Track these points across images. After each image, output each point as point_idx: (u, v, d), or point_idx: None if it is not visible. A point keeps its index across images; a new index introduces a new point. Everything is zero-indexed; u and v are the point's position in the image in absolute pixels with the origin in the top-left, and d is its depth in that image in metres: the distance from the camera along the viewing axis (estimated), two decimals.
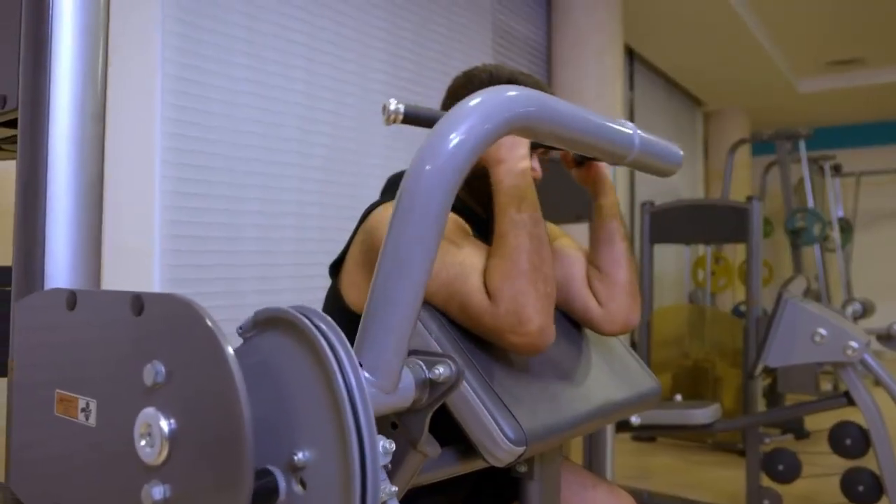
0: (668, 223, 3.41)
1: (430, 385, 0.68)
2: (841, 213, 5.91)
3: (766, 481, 2.86)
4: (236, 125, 2.48)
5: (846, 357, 2.21)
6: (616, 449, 2.88)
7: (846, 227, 5.88)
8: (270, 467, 0.58)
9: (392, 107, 0.86)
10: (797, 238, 5.00)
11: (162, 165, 2.26)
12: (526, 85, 1.20)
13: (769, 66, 6.00)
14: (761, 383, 3.91)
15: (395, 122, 0.87)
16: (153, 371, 0.54)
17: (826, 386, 5.42)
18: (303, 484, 0.57)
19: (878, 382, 2.26)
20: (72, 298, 0.64)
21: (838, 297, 5.81)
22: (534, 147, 1.15)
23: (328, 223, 2.79)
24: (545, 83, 1.29)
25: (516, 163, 1.03)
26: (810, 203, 5.19)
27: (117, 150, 1.95)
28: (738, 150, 5.26)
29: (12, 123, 0.77)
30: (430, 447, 0.70)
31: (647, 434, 4.09)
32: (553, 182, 1.26)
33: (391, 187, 1.28)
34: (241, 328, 0.62)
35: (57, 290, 0.67)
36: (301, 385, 0.58)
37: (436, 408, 0.69)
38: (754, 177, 7.06)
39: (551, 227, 1.27)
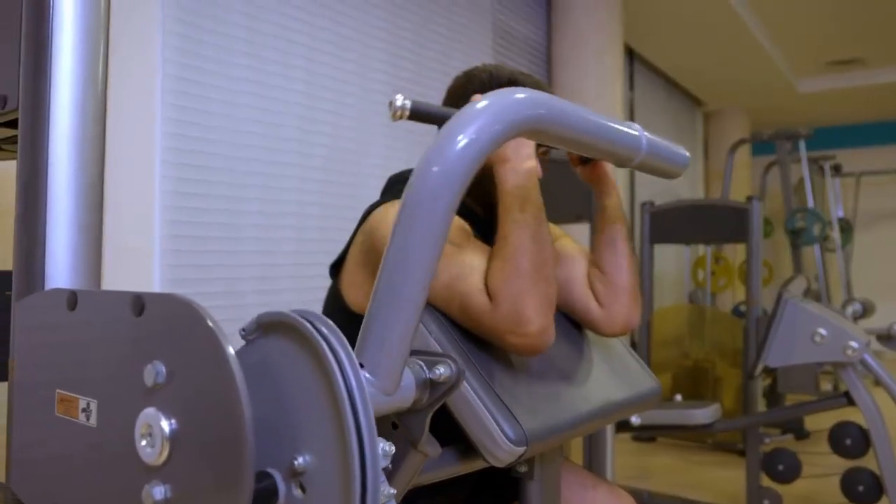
0: (668, 223, 3.41)
1: (430, 385, 0.68)
2: (841, 213, 5.91)
3: (766, 481, 2.86)
4: (236, 125, 2.48)
5: (846, 357, 2.21)
6: (616, 449, 2.88)
7: (846, 227, 5.88)
8: (270, 470, 0.58)
9: (399, 102, 0.86)
10: (797, 238, 5.00)
11: (162, 165, 2.26)
12: (526, 85, 1.20)
13: (769, 66, 6.00)
14: (761, 383, 3.91)
15: (401, 118, 0.87)
16: (154, 371, 0.54)
17: (826, 386, 5.42)
18: (302, 488, 0.57)
19: (878, 382, 2.26)
20: (72, 298, 0.64)
21: (838, 297, 5.81)
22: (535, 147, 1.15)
23: (328, 223, 2.79)
24: (545, 83, 1.29)
25: (522, 162, 1.03)
26: (810, 203, 5.19)
27: (117, 149, 1.95)
28: (738, 150, 5.25)
29: (13, 124, 0.77)
30: (430, 447, 0.70)
31: (647, 434, 4.10)
32: (553, 182, 1.26)
33: (391, 187, 1.28)
34: (243, 330, 0.62)
35: (57, 291, 0.67)
36: (302, 388, 0.58)
37: (436, 408, 0.69)
38: (754, 177, 7.06)
39: (552, 227, 1.27)
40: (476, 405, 0.92)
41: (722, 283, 5.28)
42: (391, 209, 1.10)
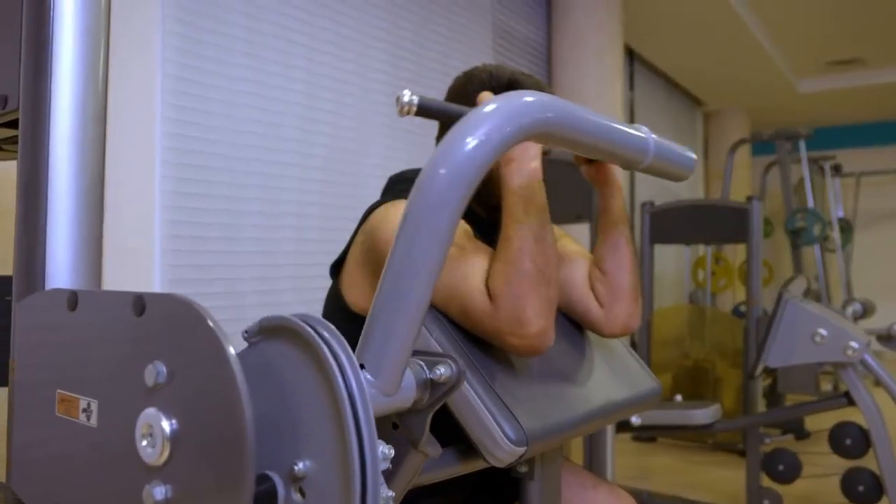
0: (668, 223, 3.41)
1: (431, 385, 0.68)
2: (841, 214, 5.91)
3: (766, 481, 2.86)
4: (236, 125, 2.48)
5: (846, 357, 2.21)
6: (616, 449, 2.88)
7: (846, 228, 5.88)
8: (270, 473, 0.58)
9: (406, 98, 0.85)
10: (797, 238, 5.00)
11: (162, 165, 2.26)
12: (526, 85, 1.20)
13: (769, 66, 6.00)
14: (761, 383, 3.91)
15: (408, 113, 0.86)
16: (154, 371, 0.54)
17: (826, 386, 5.42)
18: (302, 493, 0.57)
19: (878, 382, 2.26)
20: (73, 299, 0.64)
21: (838, 297, 5.81)
22: None
23: (328, 223, 2.79)
24: (545, 83, 1.29)
25: (527, 162, 1.02)
26: (810, 203, 5.19)
27: (118, 150, 1.95)
28: (738, 150, 5.25)
29: (13, 124, 0.77)
30: (430, 447, 0.70)
31: (647, 434, 4.09)
32: (553, 182, 1.25)
33: (392, 187, 1.27)
34: (246, 332, 0.62)
35: (58, 291, 0.67)
36: (303, 391, 0.58)
37: (437, 408, 0.69)
38: (754, 177, 7.06)
39: (553, 227, 1.27)
40: (476, 405, 0.92)
41: (722, 283, 5.28)
42: (392, 209, 1.09)
